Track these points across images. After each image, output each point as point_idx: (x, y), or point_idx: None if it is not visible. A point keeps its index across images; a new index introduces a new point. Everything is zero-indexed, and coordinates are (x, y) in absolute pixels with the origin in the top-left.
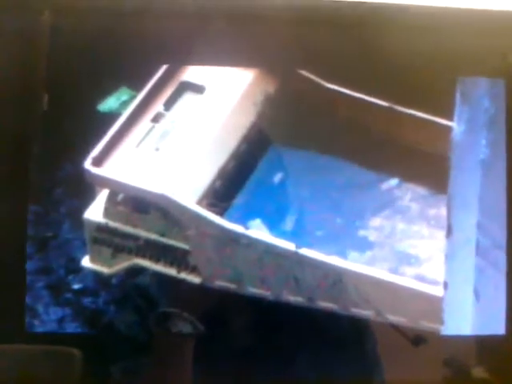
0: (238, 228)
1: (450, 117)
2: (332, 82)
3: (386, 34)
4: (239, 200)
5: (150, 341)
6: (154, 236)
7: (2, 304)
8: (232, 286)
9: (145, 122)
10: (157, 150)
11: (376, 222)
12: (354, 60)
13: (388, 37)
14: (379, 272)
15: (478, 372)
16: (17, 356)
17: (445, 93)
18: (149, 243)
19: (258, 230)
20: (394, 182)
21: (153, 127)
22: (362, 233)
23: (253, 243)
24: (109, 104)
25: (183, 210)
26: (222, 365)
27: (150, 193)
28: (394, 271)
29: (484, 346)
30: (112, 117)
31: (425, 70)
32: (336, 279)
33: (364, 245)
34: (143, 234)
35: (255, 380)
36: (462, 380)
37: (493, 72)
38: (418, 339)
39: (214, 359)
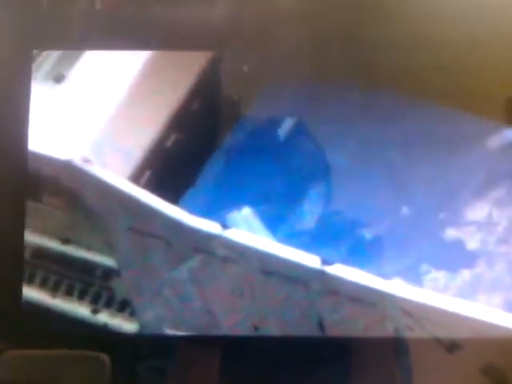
0: (208, 226)
1: None
2: None
3: None
4: (210, 171)
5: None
6: (50, 243)
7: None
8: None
9: None
10: (57, 80)
11: (480, 210)
12: None
13: None
14: (489, 313)
15: None
16: (46, 361)
17: None
18: (41, 257)
19: (246, 229)
20: None
21: None
22: (451, 233)
23: (237, 254)
24: None
25: (106, 191)
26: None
27: (44, 160)
28: None
29: None
30: None
31: None
32: (400, 324)
33: (456, 257)
34: (30, 239)
35: None
36: None
37: None
38: (453, 345)
39: (239, 371)
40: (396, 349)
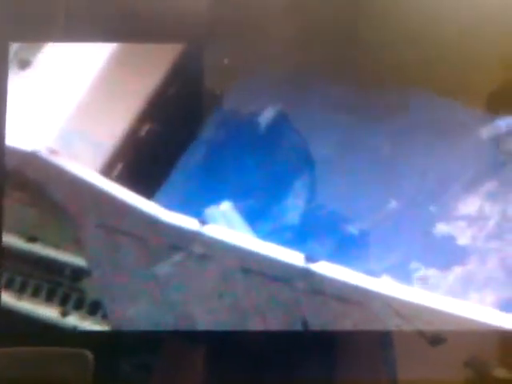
0: (185, 222)
1: None
2: None
3: None
4: (187, 164)
5: (162, 340)
6: (15, 241)
7: None
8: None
9: None
10: (22, 66)
11: (471, 204)
12: None
13: None
14: (482, 312)
15: (501, 373)
16: (30, 358)
17: None
18: (6, 256)
19: (225, 225)
20: (504, 123)
21: None
22: (441, 228)
23: (216, 252)
24: None
25: (75, 185)
26: (232, 372)
27: (7, 152)
28: None
29: (507, 344)
30: None
31: None
32: (389, 324)
33: (447, 253)
34: None
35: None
36: (483, 381)
37: None
38: (437, 339)
39: (224, 367)
40: (381, 342)
